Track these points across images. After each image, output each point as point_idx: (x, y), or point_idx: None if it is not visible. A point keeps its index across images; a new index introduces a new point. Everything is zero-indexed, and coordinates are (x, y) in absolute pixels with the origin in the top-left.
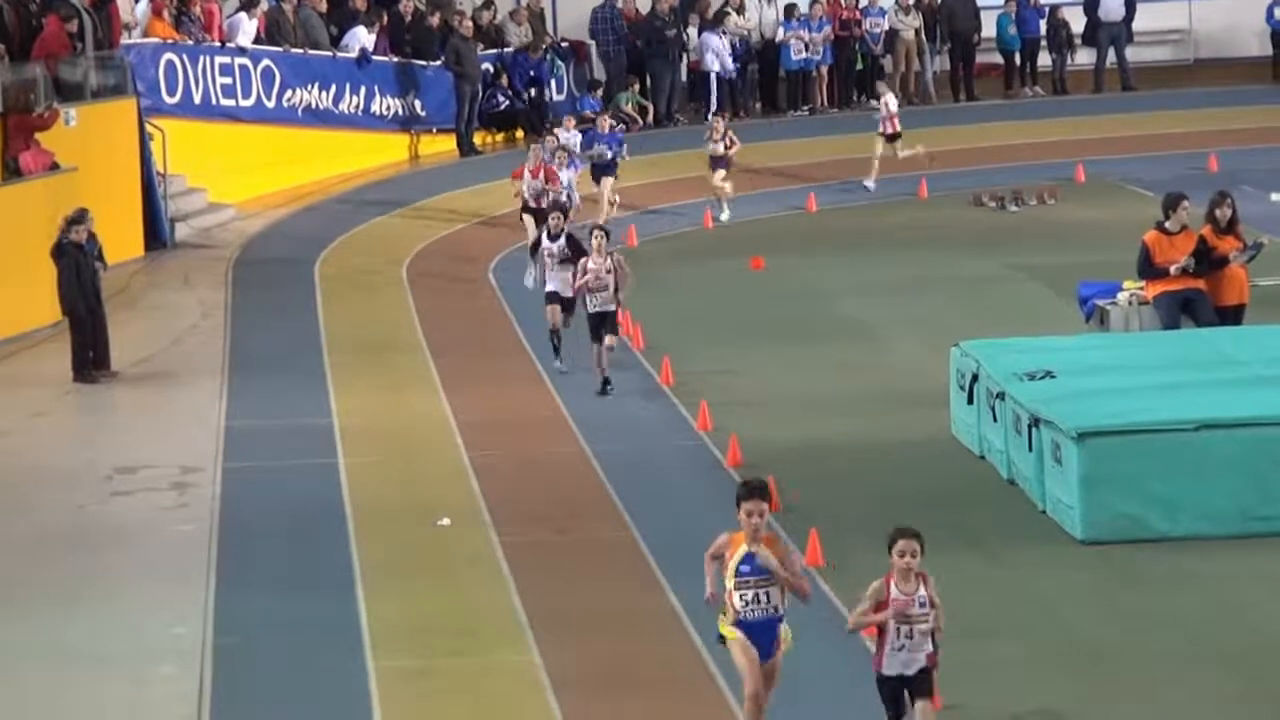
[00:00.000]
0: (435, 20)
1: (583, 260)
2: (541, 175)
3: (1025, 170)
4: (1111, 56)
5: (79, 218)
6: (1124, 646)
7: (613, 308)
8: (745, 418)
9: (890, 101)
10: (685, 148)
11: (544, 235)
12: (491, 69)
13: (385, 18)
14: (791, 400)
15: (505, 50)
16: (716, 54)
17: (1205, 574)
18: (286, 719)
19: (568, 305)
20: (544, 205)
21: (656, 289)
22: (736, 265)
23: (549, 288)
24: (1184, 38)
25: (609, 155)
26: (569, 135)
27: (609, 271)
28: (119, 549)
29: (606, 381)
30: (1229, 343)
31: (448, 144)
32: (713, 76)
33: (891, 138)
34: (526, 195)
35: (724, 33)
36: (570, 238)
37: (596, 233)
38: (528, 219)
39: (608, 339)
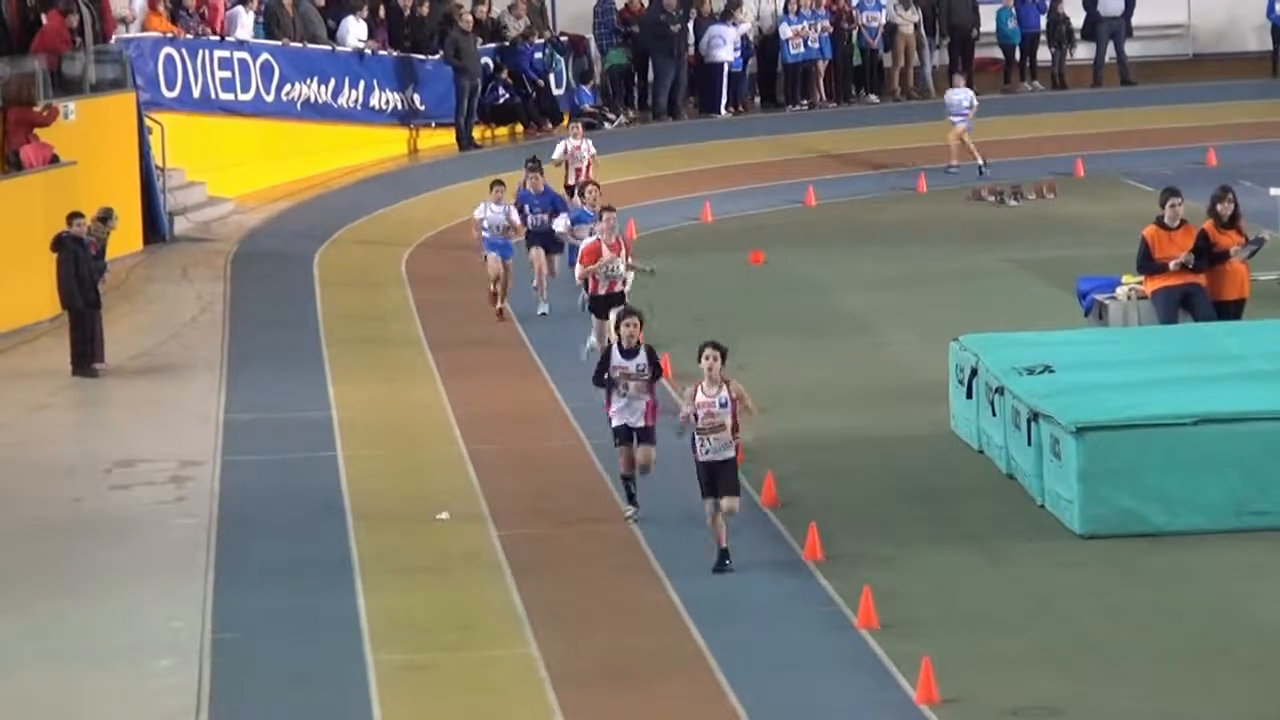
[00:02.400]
0: (426, 8)
1: (689, 390)
2: (623, 252)
3: (1024, 165)
4: (1111, 51)
5: (105, 215)
6: (1122, 640)
7: (733, 453)
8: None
9: (589, 147)
10: (686, 141)
11: (614, 349)
12: (491, 63)
13: (383, 10)
14: (791, 394)
15: (504, 43)
16: (726, 44)
17: (1203, 568)
18: (285, 713)
19: (646, 435)
20: (617, 290)
21: (656, 283)
22: (736, 259)
23: (618, 421)
24: (1183, 32)
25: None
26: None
27: (725, 405)
28: (117, 542)
29: (725, 555)
30: (1227, 337)
31: (447, 138)
32: (725, 68)
33: (573, 189)
34: (600, 279)
35: (735, 24)
36: (651, 351)
37: (709, 352)
38: (600, 323)
39: (726, 501)
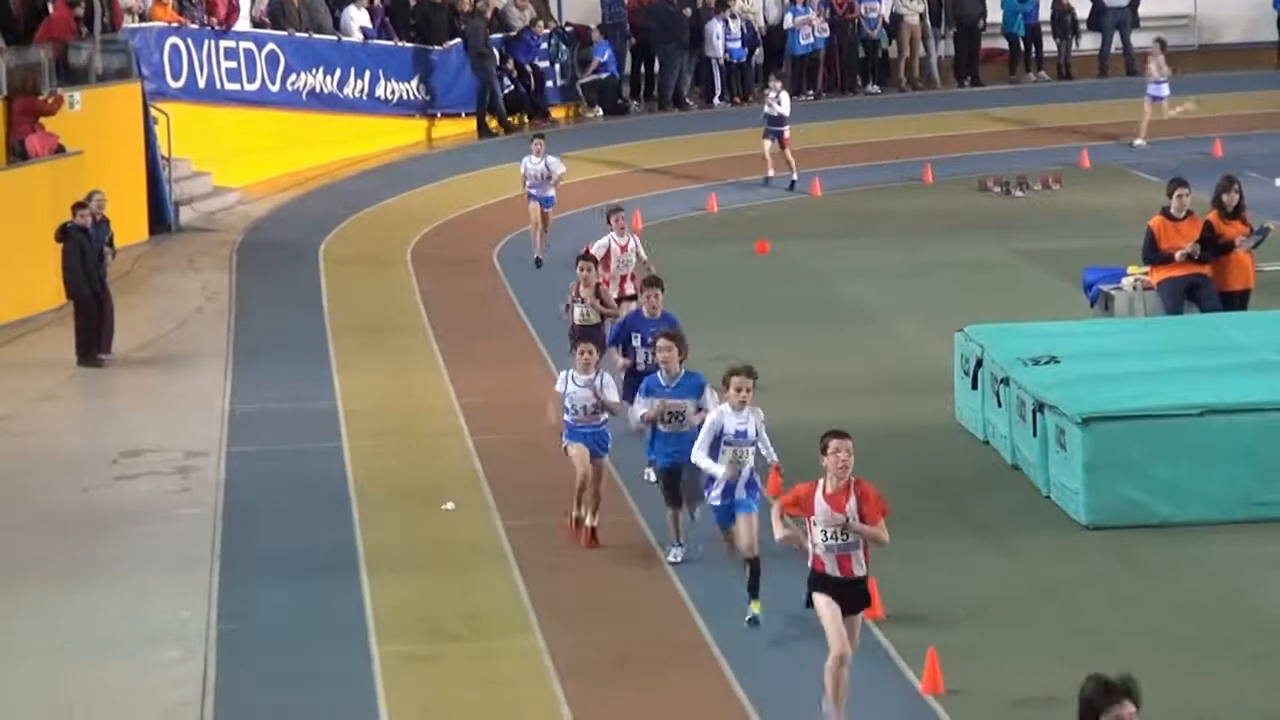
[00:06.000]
0: None
1: None
2: (852, 504)
3: (1030, 155)
4: (1116, 41)
5: (85, 200)
6: (1126, 631)
7: None
8: None
9: (637, 245)
10: (692, 132)
11: None
12: (498, 53)
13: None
14: (795, 385)
15: (510, 33)
16: (718, 39)
17: (1209, 559)
18: (290, 704)
19: None
20: (857, 574)
21: (661, 274)
22: (741, 250)
23: None
24: (1189, 23)
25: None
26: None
27: None
28: (123, 533)
29: None
30: (1233, 328)
31: (453, 128)
32: (714, 62)
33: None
34: (821, 554)
35: (732, 17)
36: None
37: None
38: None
39: None
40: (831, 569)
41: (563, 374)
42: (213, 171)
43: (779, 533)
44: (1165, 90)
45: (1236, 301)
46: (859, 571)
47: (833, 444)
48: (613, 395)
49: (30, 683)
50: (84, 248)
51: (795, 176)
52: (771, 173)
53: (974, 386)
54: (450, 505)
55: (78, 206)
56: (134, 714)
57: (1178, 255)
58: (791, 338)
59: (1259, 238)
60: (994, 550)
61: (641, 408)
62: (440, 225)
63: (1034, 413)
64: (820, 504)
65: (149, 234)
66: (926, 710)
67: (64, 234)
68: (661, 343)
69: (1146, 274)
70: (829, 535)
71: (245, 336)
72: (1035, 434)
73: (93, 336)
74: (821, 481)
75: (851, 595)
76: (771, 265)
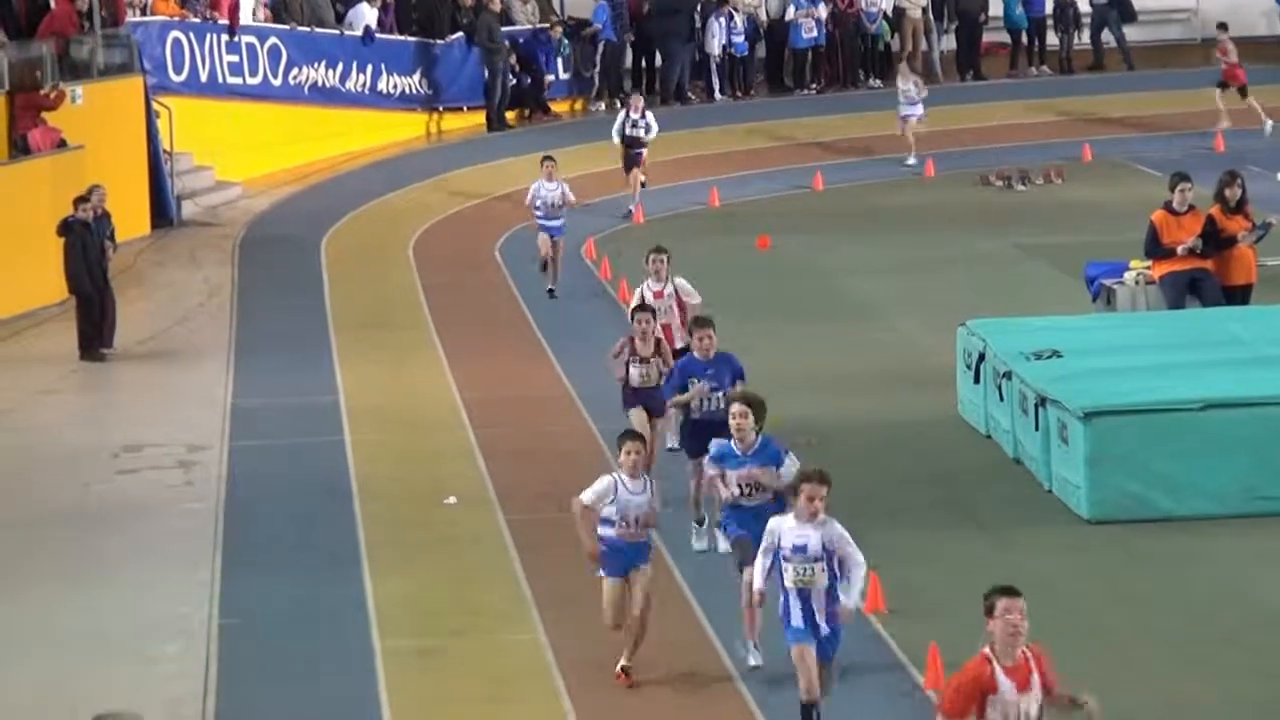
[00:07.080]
0: None
1: None
2: (1034, 675)
3: (1032, 149)
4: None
5: (86, 195)
6: (1128, 625)
7: None
8: None
9: (682, 288)
10: (693, 126)
11: None
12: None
13: None
14: (797, 380)
15: (517, 28)
16: (714, 37)
17: (1210, 553)
18: (291, 698)
19: None
20: None
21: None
22: (742, 244)
23: None
24: (1191, 16)
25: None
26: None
27: None
28: (124, 528)
29: None
30: (1235, 322)
31: (455, 122)
32: (712, 59)
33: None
34: None
35: (734, 11)
36: None
37: None
38: None
39: None
40: None
41: (606, 479)
42: (215, 166)
43: None
44: (919, 110)
45: (1238, 296)
46: None
47: (1002, 604)
48: (658, 503)
49: (31, 678)
50: (85, 242)
51: (637, 202)
52: (634, 204)
53: (976, 381)
54: (452, 500)
55: (79, 201)
56: (135, 709)
57: (1180, 250)
58: (793, 333)
59: (1261, 232)
60: (995, 544)
61: (711, 469)
62: (442, 219)
63: (1036, 407)
64: (1004, 683)
65: (151, 228)
66: (930, 706)
67: (65, 229)
68: (736, 408)
69: (1148, 268)
70: (1010, 718)
71: (247, 331)
72: (1037, 428)
73: (95, 331)
74: (989, 654)
75: None
76: (773, 260)
